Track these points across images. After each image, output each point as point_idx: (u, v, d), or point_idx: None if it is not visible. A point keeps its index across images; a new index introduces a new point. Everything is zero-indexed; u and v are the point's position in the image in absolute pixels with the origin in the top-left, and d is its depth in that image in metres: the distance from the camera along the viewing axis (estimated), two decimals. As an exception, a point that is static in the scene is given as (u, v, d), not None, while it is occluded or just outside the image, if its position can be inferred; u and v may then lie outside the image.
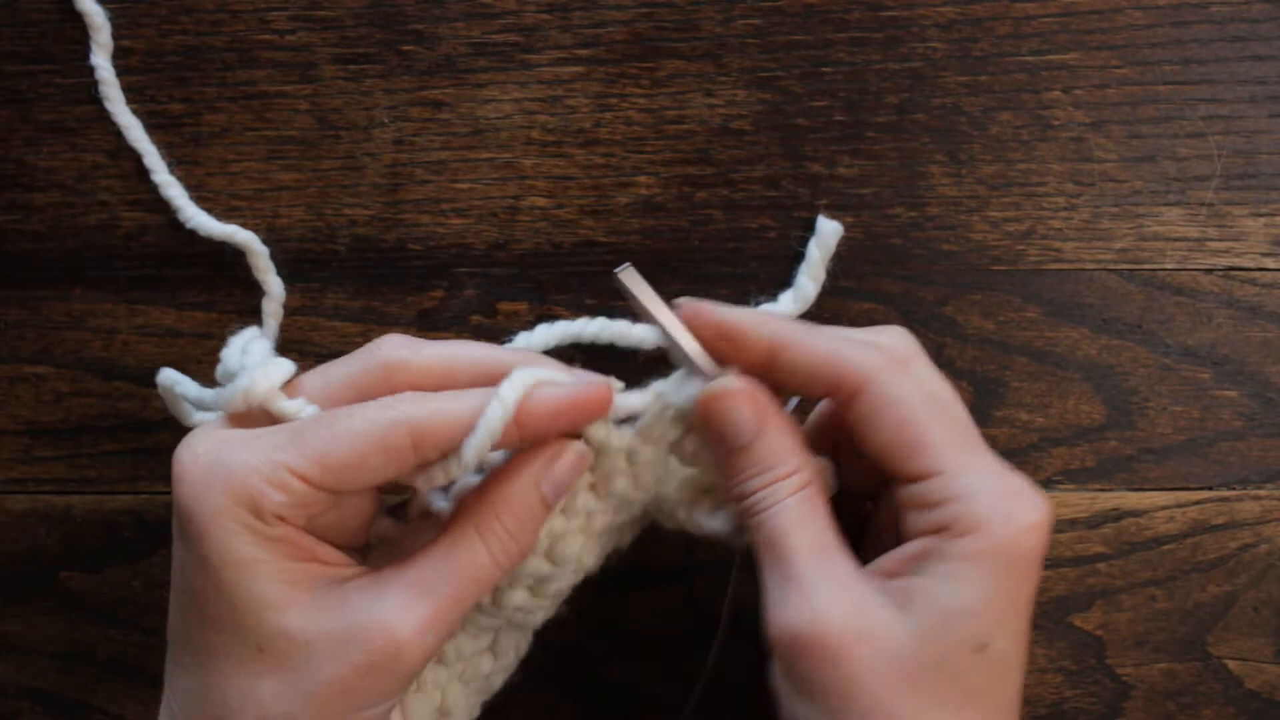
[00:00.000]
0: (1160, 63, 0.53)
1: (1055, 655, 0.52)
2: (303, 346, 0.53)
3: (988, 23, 0.53)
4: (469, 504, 0.42)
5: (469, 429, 0.40)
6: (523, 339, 0.51)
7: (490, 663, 0.47)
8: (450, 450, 0.40)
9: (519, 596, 0.44)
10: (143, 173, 0.53)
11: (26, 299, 0.53)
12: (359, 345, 0.52)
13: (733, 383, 0.43)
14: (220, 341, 0.52)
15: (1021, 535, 0.40)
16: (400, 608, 0.40)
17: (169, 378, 0.49)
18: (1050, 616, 0.52)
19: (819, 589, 0.41)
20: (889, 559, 0.42)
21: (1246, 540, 0.52)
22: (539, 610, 0.46)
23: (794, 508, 0.42)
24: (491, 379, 0.41)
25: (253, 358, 0.43)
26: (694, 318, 0.43)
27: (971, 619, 0.40)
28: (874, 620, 0.40)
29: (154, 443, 0.53)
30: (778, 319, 0.44)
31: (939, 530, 0.41)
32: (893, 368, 0.42)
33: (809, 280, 0.51)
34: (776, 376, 0.43)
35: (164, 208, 0.53)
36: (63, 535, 0.53)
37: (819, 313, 0.52)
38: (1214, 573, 0.52)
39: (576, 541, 0.44)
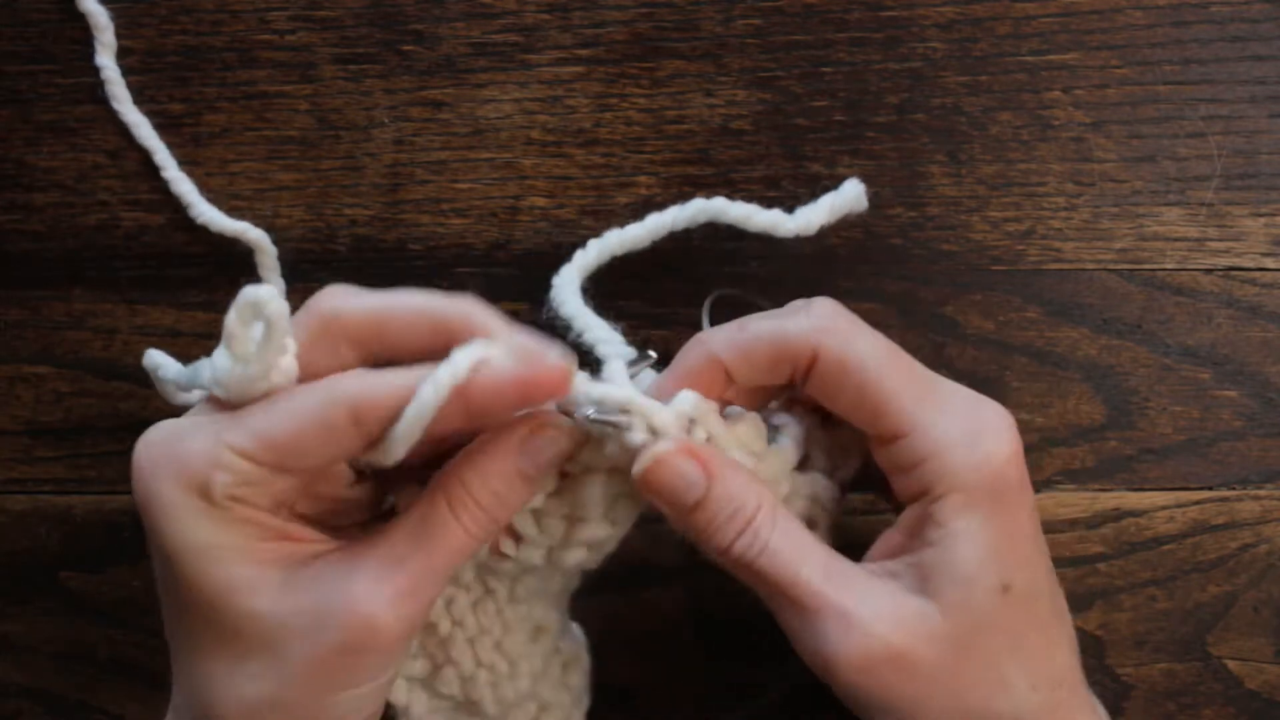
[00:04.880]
0: (1160, 63, 0.53)
1: (1055, 655, 0.52)
2: (303, 346, 0.53)
3: (988, 23, 0.53)
4: (444, 474, 0.41)
5: (400, 411, 0.38)
6: (569, 277, 0.49)
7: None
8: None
9: (576, 555, 0.44)
10: (143, 173, 0.53)
11: (26, 299, 0.53)
12: (359, 345, 0.52)
13: (664, 445, 0.41)
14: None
15: (999, 473, 0.41)
16: (372, 583, 0.39)
17: (152, 360, 0.48)
18: (1050, 616, 0.52)
19: (855, 610, 0.40)
20: (890, 537, 0.43)
21: (1246, 540, 0.52)
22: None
23: (782, 542, 0.41)
24: (430, 335, 0.40)
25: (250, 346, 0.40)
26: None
27: (987, 572, 0.40)
28: (913, 615, 0.41)
29: (154, 443, 0.53)
30: (711, 336, 0.43)
31: (923, 493, 0.41)
32: (838, 330, 0.42)
33: (813, 217, 0.50)
34: (740, 380, 0.43)
35: (164, 207, 0.53)
36: (63, 535, 0.53)
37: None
38: (1214, 573, 0.52)
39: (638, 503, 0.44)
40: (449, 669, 0.45)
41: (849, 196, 0.50)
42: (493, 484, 0.41)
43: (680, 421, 0.42)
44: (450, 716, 0.47)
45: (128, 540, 0.53)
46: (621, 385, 0.43)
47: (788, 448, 0.44)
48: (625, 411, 0.41)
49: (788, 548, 0.41)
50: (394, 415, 0.38)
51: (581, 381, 0.41)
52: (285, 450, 0.39)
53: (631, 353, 0.46)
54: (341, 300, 0.41)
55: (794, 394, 0.46)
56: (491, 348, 0.39)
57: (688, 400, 0.42)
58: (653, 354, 0.44)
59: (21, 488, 0.53)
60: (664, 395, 0.42)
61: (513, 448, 0.41)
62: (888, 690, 0.41)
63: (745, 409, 0.44)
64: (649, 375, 0.45)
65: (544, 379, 0.39)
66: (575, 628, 0.49)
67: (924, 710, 0.41)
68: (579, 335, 0.47)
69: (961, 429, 0.41)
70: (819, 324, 0.42)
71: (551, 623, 0.47)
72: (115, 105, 0.53)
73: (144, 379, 0.53)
